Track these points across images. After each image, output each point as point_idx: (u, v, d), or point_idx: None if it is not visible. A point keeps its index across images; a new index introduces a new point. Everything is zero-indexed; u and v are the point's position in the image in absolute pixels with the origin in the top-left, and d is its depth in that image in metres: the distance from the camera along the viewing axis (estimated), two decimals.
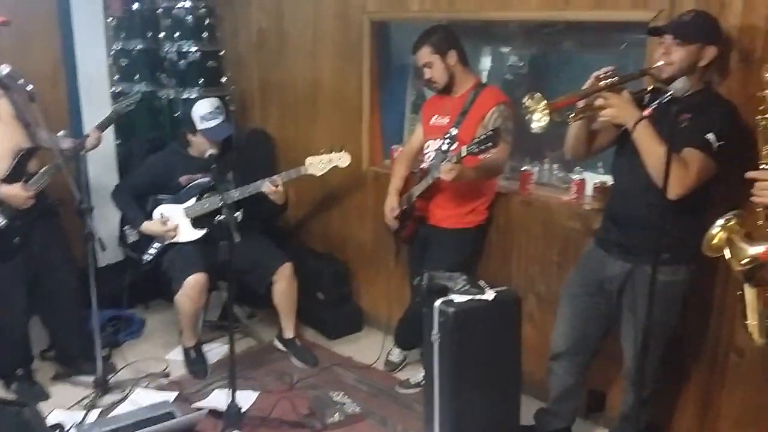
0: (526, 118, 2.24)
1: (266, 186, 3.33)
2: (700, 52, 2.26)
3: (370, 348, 3.72)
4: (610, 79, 2.25)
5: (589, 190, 3.06)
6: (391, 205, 3.30)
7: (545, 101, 2.18)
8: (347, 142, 3.59)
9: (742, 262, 1.43)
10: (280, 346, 3.70)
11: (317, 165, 3.37)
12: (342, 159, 3.38)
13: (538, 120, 2.20)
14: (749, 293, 1.94)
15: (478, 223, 3.19)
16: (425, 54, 3.05)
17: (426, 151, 3.22)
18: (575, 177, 3.13)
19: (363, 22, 3.71)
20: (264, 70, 4.39)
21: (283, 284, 3.52)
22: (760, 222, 1.93)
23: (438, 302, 2.55)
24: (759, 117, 1.92)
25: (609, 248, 2.52)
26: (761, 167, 1.92)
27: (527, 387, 3.03)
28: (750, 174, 1.91)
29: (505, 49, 3.66)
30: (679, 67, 2.25)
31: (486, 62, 3.76)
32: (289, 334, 3.64)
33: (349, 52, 3.84)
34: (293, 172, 3.37)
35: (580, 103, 2.31)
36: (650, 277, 2.12)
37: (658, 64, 2.27)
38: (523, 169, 3.32)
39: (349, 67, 3.86)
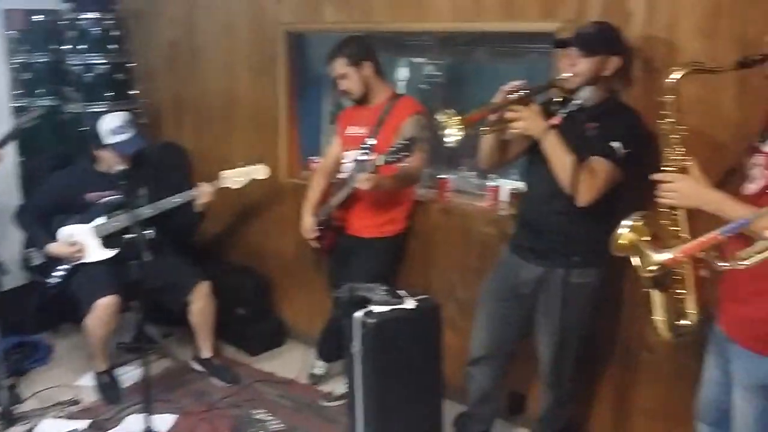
0: (440, 133, 2.27)
1: (198, 189, 3.25)
2: (604, 62, 2.35)
3: (293, 362, 3.67)
4: (518, 93, 2.31)
5: (503, 197, 3.13)
6: (308, 224, 3.27)
7: (458, 117, 2.23)
8: (265, 154, 3.55)
9: (650, 269, 1.47)
10: (197, 366, 3.59)
11: (233, 178, 3.30)
12: (259, 171, 3.33)
13: (452, 135, 2.23)
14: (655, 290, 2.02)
15: (398, 232, 3.20)
16: (340, 65, 3.05)
17: (344, 162, 3.21)
18: (490, 184, 3.19)
19: (277, 34, 3.68)
20: (177, 83, 4.28)
21: (200, 304, 3.42)
22: (664, 222, 2.02)
23: (358, 314, 2.53)
24: (660, 121, 2.01)
25: (523, 253, 2.58)
26: (665, 170, 2.00)
27: (450, 392, 3.05)
28: (655, 176, 2.00)
29: (422, 60, 3.71)
30: (585, 78, 2.33)
31: (403, 72, 3.79)
32: (206, 353, 3.54)
33: (264, 64, 3.79)
34: (208, 186, 3.29)
35: (492, 117, 2.37)
36: (562, 280, 2.18)
37: (565, 75, 2.35)
38: (440, 176, 3.36)
39: (264, 78, 3.81)
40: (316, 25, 3.57)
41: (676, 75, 1.95)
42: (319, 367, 3.52)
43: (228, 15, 3.90)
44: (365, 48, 3.09)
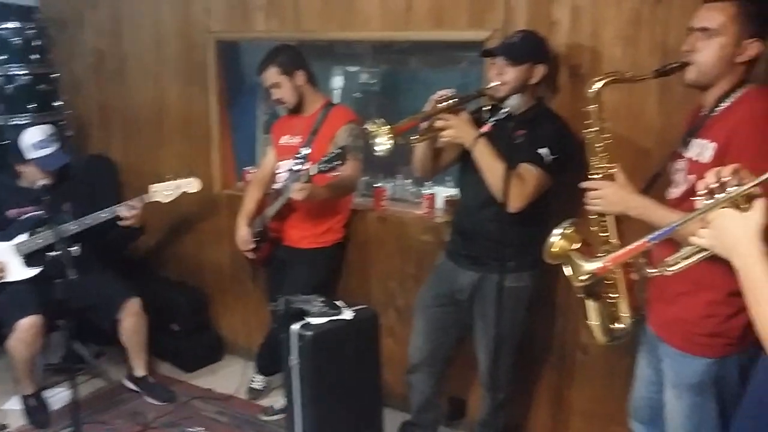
0: (370, 142, 2.29)
1: (123, 210, 3.14)
2: (530, 70, 2.40)
3: (231, 377, 3.59)
4: (448, 102, 2.34)
5: (439, 204, 3.15)
6: (242, 236, 3.22)
7: (388, 126, 2.25)
8: (197, 166, 3.48)
9: (581, 278, 1.49)
10: (130, 385, 3.47)
11: (163, 192, 3.21)
12: (191, 184, 3.25)
13: (382, 144, 2.26)
14: None
15: (335, 242, 3.18)
16: (272, 75, 3.02)
17: (278, 172, 3.17)
18: (426, 192, 3.21)
19: (207, 42, 3.61)
20: (104, 93, 4.14)
21: (131, 321, 3.31)
22: (594, 228, 2.06)
23: (295, 326, 2.50)
24: (586, 130, 2.04)
25: (458, 260, 2.60)
26: (592, 177, 2.04)
27: (392, 400, 3.05)
28: (583, 184, 2.04)
29: (356, 68, 3.70)
30: (512, 87, 2.38)
31: (337, 81, 3.77)
32: (140, 371, 3.43)
33: (194, 73, 3.71)
34: (137, 201, 3.18)
35: (423, 125, 2.38)
36: (497, 285, 2.21)
37: (493, 84, 2.40)
38: (376, 185, 3.35)
39: (195, 88, 3.73)
40: (246, 34, 3.52)
41: (596, 85, 1.99)
42: (259, 381, 3.46)
43: (155, 23, 3.81)
44: (297, 57, 3.06)
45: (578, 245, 1.91)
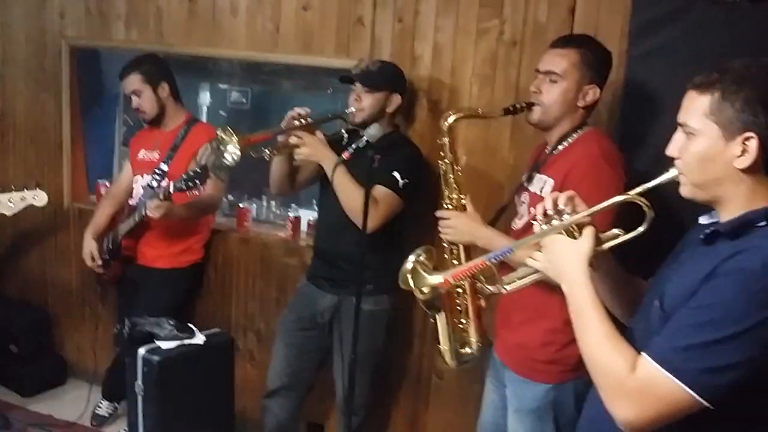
0: (219, 150, 2.27)
1: None
2: (387, 99, 2.48)
3: (74, 402, 3.35)
4: (304, 120, 2.37)
5: (304, 227, 3.13)
6: (89, 250, 3.04)
7: (237, 136, 2.23)
8: (46, 177, 3.27)
9: (424, 290, 1.53)
10: None
11: (5, 203, 2.97)
12: (37, 198, 3.03)
13: (231, 153, 2.24)
14: (440, 319, 2.10)
15: (194, 262, 3.08)
16: (134, 81, 2.91)
17: (134, 187, 3.03)
18: (291, 214, 3.19)
19: (62, 48, 3.41)
20: None
21: None
22: (446, 256, 2.13)
23: (142, 350, 2.38)
24: (440, 162, 2.12)
25: (318, 282, 2.61)
26: (445, 207, 2.11)
27: (248, 427, 2.98)
28: (437, 213, 2.11)
29: (226, 86, 3.63)
30: (369, 113, 2.45)
31: (205, 97, 3.69)
32: None
33: (46, 80, 3.50)
34: None
35: (280, 140, 2.39)
36: (355, 308, 2.23)
37: (350, 109, 2.46)
38: (240, 205, 3.29)
39: (46, 95, 3.51)
40: (104, 42, 3.37)
41: (449, 120, 2.06)
42: (104, 407, 3.28)
43: (3, 25, 3.55)
44: (163, 68, 2.98)
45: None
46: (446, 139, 2.08)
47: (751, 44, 2.08)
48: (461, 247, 2.10)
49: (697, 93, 1.23)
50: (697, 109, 1.22)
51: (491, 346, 2.25)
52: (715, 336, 1.09)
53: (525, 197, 2.12)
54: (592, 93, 2.03)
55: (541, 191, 2.03)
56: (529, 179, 2.12)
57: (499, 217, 2.21)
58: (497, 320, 2.23)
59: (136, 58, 2.96)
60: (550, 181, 2.02)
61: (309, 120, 2.38)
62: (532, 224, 1.44)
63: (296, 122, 2.36)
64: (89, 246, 3.04)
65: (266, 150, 2.38)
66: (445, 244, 2.12)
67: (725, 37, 2.14)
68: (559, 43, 2.08)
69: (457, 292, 2.08)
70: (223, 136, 2.24)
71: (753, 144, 1.17)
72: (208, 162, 2.77)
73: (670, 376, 1.11)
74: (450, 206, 2.10)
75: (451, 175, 2.10)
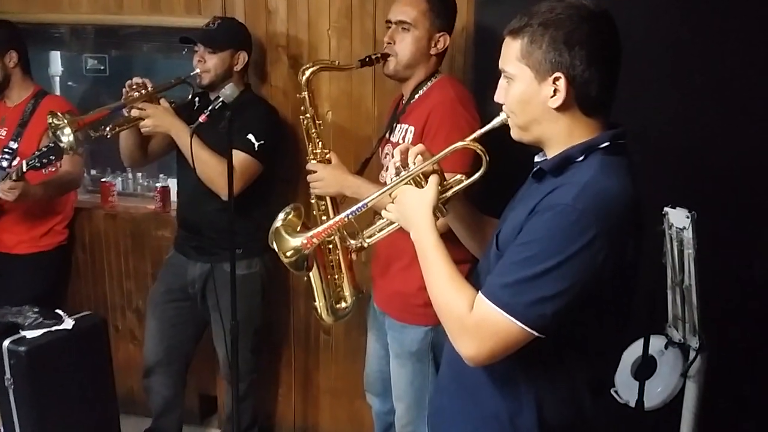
0: (55, 135, 2.23)
1: None
2: (232, 57, 2.42)
3: None
4: (144, 90, 2.30)
5: (174, 197, 3.02)
6: None
7: (69, 118, 2.19)
8: None
9: (288, 254, 1.52)
10: None
11: None
12: None
13: (67, 136, 2.21)
14: (313, 276, 2.11)
15: (58, 244, 2.93)
16: None
17: None
18: (159, 185, 3.07)
19: None
20: None
21: None
22: (315, 212, 2.13)
23: (6, 342, 2.25)
24: (301, 117, 2.10)
25: (186, 252, 2.56)
26: (311, 162, 2.10)
27: (137, 408, 2.92)
28: (307, 167, 2.09)
29: (80, 54, 3.40)
30: (216, 74, 2.39)
31: (56, 67, 3.43)
32: None
33: None
34: None
35: (123, 113, 2.32)
36: (228, 274, 2.20)
37: (195, 72, 2.39)
38: (103, 180, 3.14)
39: None
40: None
41: (306, 73, 2.04)
42: None
43: None
44: (13, 35, 2.78)
45: (299, 230, 1.96)
46: (306, 93, 2.06)
47: None
48: (328, 201, 2.11)
49: (511, 38, 1.25)
50: (511, 54, 1.24)
51: (370, 298, 2.30)
52: (535, 270, 1.14)
53: (388, 149, 2.14)
54: (442, 40, 2.07)
55: (403, 140, 2.06)
56: (391, 130, 2.15)
57: (365, 168, 2.23)
58: (374, 271, 2.27)
59: None
60: (411, 129, 2.05)
61: (149, 89, 2.31)
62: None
63: (136, 93, 2.28)
64: None
65: (106, 128, 2.30)
66: (312, 200, 2.12)
67: None
68: None
69: (328, 249, 2.10)
70: (55, 121, 2.18)
71: (561, 83, 1.20)
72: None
73: (501, 311, 1.16)
74: (315, 160, 2.09)
75: (314, 129, 2.09)
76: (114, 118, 2.34)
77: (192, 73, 2.39)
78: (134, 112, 2.28)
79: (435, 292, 1.28)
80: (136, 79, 2.30)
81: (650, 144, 2.10)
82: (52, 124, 2.19)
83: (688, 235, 1.98)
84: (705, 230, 1.97)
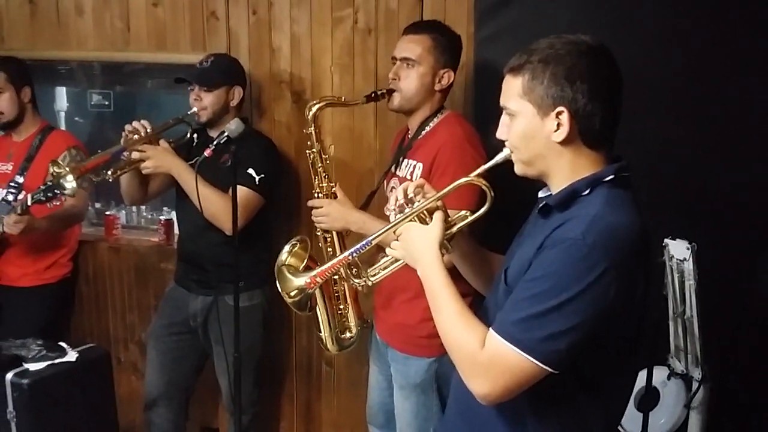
0: (58, 183, 2.30)
1: None
2: (228, 93, 2.46)
3: None
4: (143, 132, 2.34)
5: (177, 229, 3.04)
6: None
7: (72, 166, 2.25)
8: None
9: (291, 294, 1.53)
10: None
11: None
12: None
13: (69, 183, 2.27)
14: (319, 306, 2.12)
15: (62, 277, 2.94)
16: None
17: None
18: (163, 217, 3.09)
19: None
20: None
21: None
22: (321, 245, 2.15)
23: (9, 375, 2.25)
24: (308, 151, 2.13)
25: (188, 285, 2.57)
26: (316, 196, 2.13)
27: None
28: (309, 203, 2.12)
29: (86, 90, 3.45)
30: (213, 111, 2.44)
31: (62, 103, 3.48)
32: None
33: None
34: None
35: (125, 157, 2.36)
36: (231, 306, 2.21)
37: (192, 110, 2.43)
38: (108, 213, 3.16)
39: None
40: None
41: (312, 109, 2.09)
42: None
43: None
44: (27, 73, 2.85)
45: (305, 262, 1.98)
46: (312, 129, 2.10)
47: (593, 21, 2.22)
48: (335, 235, 2.13)
49: (512, 76, 1.27)
50: (512, 91, 1.26)
51: (371, 329, 2.31)
52: (547, 305, 1.14)
53: (395, 183, 2.17)
54: (447, 77, 2.11)
55: (411, 176, 2.09)
56: (397, 165, 2.18)
57: (370, 202, 2.26)
58: (377, 302, 2.28)
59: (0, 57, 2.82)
60: (420, 165, 2.08)
61: (148, 131, 2.34)
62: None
63: (135, 136, 2.32)
64: None
65: (108, 172, 2.34)
66: (318, 233, 2.14)
67: (566, 15, 2.28)
68: (412, 30, 2.15)
69: (334, 280, 2.12)
70: (56, 170, 2.23)
71: (565, 117, 1.22)
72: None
73: (513, 347, 1.16)
74: (321, 195, 2.12)
75: (319, 164, 2.12)
76: (115, 161, 2.38)
77: (189, 112, 2.43)
78: (135, 155, 2.32)
79: (445, 329, 1.27)
80: (135, 123, 2.34)
81: (650, 176, 2.12)
82: (54, 173, 2.23)
83: (689, 266, 1.99)
84: (706, 261, 1.98)
